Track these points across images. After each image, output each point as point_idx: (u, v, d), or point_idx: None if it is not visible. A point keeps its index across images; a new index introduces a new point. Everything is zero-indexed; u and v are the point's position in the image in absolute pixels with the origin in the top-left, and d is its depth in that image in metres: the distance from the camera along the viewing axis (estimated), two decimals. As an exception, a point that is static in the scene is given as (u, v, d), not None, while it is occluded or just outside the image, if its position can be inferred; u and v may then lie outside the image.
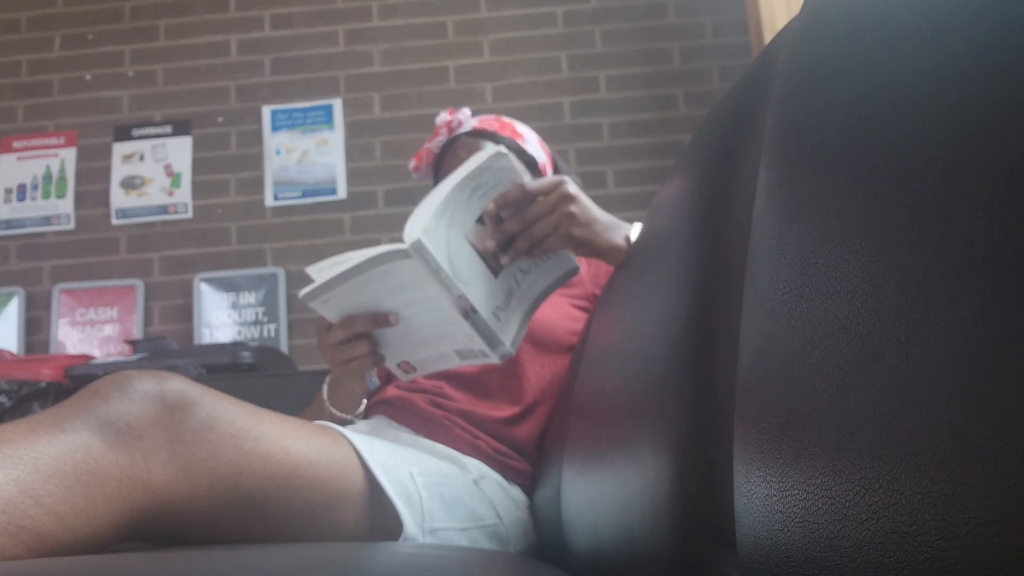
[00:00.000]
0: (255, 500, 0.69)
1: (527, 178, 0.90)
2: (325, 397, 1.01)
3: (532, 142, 1.20)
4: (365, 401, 1.03)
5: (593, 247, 0.91)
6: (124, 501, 0.60)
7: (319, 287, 0.86)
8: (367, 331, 0.91)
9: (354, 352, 0.92)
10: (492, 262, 0.90)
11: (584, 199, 0.91)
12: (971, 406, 0.19)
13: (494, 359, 0.92)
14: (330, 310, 0.90)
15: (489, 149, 0.88)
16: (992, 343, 0.19)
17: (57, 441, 0.58)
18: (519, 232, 0.88)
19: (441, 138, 1.20)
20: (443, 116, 1.20)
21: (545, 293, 0.96)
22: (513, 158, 0.90)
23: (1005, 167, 0.19)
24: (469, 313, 0.87)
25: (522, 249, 0.89)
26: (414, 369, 0.97)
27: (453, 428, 0.98)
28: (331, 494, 0.74)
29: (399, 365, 0.97)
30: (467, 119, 1.20)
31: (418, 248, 0.82)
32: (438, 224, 0.84)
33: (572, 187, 0.89)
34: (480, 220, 0.89)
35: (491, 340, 0.89)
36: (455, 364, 0.95)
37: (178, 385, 0.66)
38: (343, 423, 1.00)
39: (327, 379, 1.02)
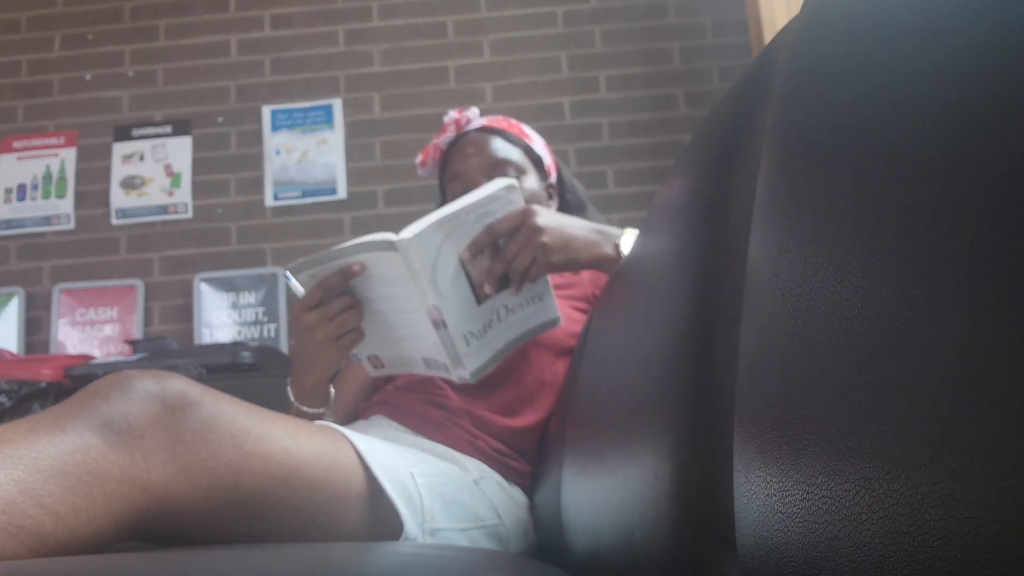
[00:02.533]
0: (255, 500, 0.69)
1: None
2: (293, 398, 0.99)
3: (539, 143, 1.21)
4: (333, 390, 1.02)
5: (577, 266, 0.94)
6: (124, 501, 0.60)
7: (308, 260, 0.89)
8: (348, 302, 0.92)
9: (349, 323, 0.93)
10: (479, 290, 0.93)
11: (555, 223, 0.92)
12: (971, 406, 0.19)
13: (454, 378, 0.93)
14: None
15: (501, 181, 0.91)
16: (992, 343, 0.19)
17: (58, 441, 0.58)
18: (504, 271, 0.92)
19: (449, 135, 1.21)
20: (452, 114, 1.21)
21: (523, 337, 0.99)
22: (520, 193, 0.93)
23: (1005, 167, 0.19)
24: (439, 324, 0.89)
25: (515, 285, 0.93)
26: (382, 365, 0.99)
27: (453, 428, 0.98)
28: (331, 494, 0.74)
29: (369, 358, 0.98)
30: (476, 117, 1.21)
31: (404, 246, 0.85)
32: (434, 234, 0.87)
33: (539, 217, 0.91)
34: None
35: (454, 359, 0.91)
36: (421, 371, 0.97)
37: (179, 385, 0.66)
38: (315, 419, 0.99)
39: (288, 381, 1.01)
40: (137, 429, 0.62)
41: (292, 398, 0.99)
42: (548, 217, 0.92)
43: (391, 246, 0.86)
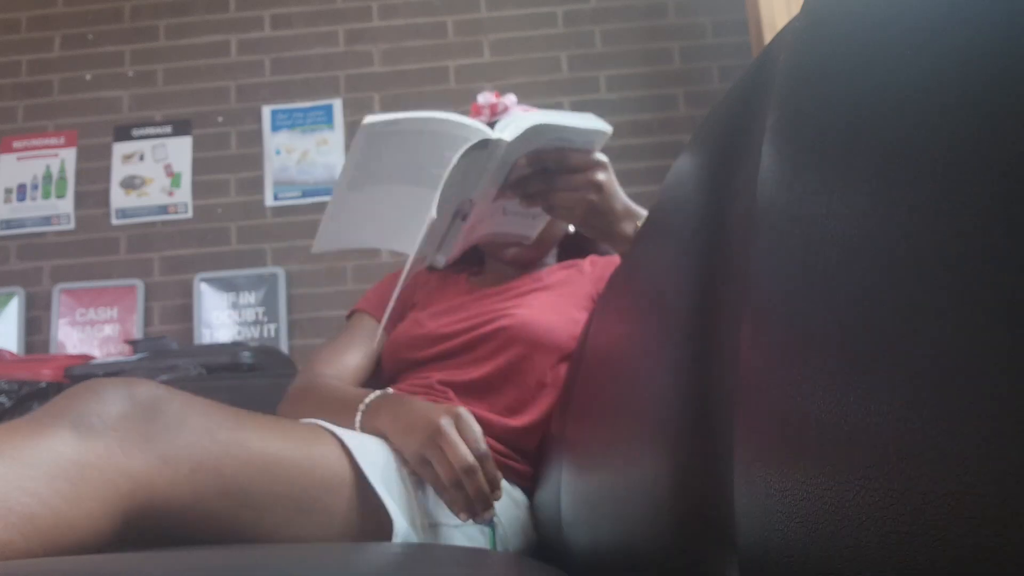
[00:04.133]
0: (239, 485, 0.70)
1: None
2: (360, 418, 0.92)
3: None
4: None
5: (601, 236, 0.91)
6: (108, 487, 0.62)
7: (396, 118, 0.83)
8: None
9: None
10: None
11: (612, 190, 0.90)
12: (971, 406, 0.19)
13: (427, 262, 0.92)
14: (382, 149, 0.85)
15: (600, 122, 0.88)
16: (992, 343, 0.19)
17: (36, 437, 0.61)
18: (541, 192, 0.88)
19: (482, 118, 1.17)
20: (487, 96, 1.16)
21: (491, 235, 0.97)
22: (603, 142, 0.89)
23: (1005, 167, 0.19)
24: (461, 216, 0.88)
25: (536, 204, 0.89)
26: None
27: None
28: (315, 481, 0.75)
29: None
30: (513, 105, 1.18)
31: (498, 146, 0.82)
32: (524, 138, 0.83)
33: (603, 174, 0.88)
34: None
35: (445, 247, 0.90)
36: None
37: (148, 387, 0.69)
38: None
39: (376, 396, 0.94)
40: (109, 422, 0.65)
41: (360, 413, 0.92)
42: (609, 180, 0.90)
43: (482, 144, 0.81)
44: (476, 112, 1.16)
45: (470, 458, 0.79)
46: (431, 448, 0.80)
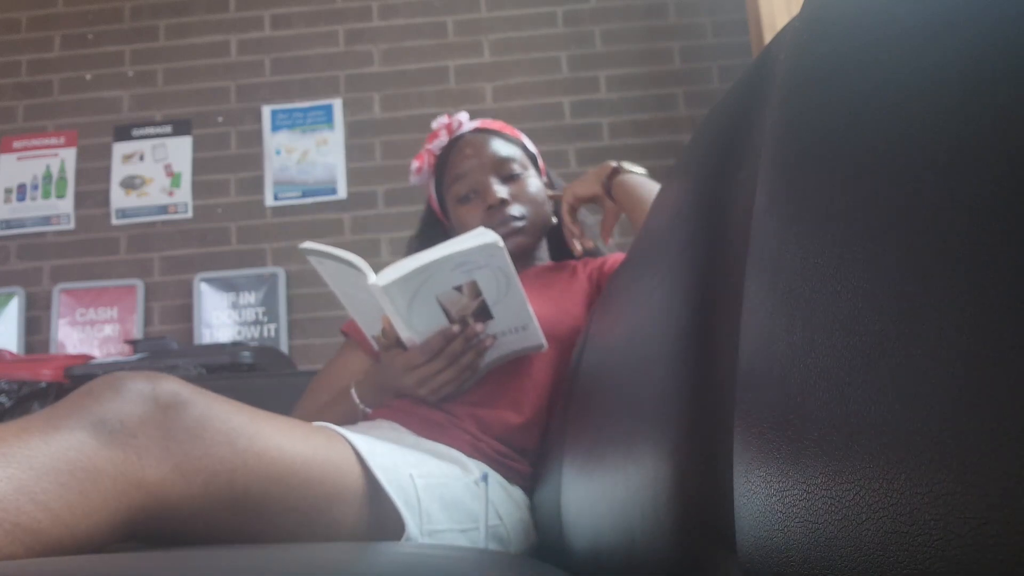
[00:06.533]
0: (251, 497, 0.69)
1: (513, 271, 0.93)
2: (358, 400, 1.03)
3: (529, 143, 1.23)
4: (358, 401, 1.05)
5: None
6: (120, 499, 0.60)
7: (321, 249, 0.95)
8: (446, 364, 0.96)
9: (442, 379, 0.97)
10: (458, 321, 0.95)
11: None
12: (971, 406, 0.19)
13: None
14: (324, 271, 0.99)
15: (486, 235, 0.89)
16: (992, 343, 0.19)
17: (51, 439, 0.58)
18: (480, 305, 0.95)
19: (441, 140, 1.21)
20: (441, 119, 1.21)
21: (506, 357, 1.02)
22: (506, 253, 0.90)
23: (1005, 167, 0.19)
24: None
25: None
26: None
27: (454, 430, 0.98)
28: (327, 491, 0.74)
29: (374, 337, 1.04)
30: (466, 120, 1.21)
31: (377, 291, 0.89)
32: (409, 282, 0.89)
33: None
34: (458, 288, 0.92)
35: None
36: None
37: (171, 385, 0.67)
38: (364, 416, 1.03)
39: (364, 384, 1.05)
40: (130, 428, 0.62)
41: (356, 399, 1.04)
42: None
43: (368, 283, 0.89)
44: (435, 135, 1.19)
45: (438, 364, 0.94)
46: (416, 384, 0.96)
